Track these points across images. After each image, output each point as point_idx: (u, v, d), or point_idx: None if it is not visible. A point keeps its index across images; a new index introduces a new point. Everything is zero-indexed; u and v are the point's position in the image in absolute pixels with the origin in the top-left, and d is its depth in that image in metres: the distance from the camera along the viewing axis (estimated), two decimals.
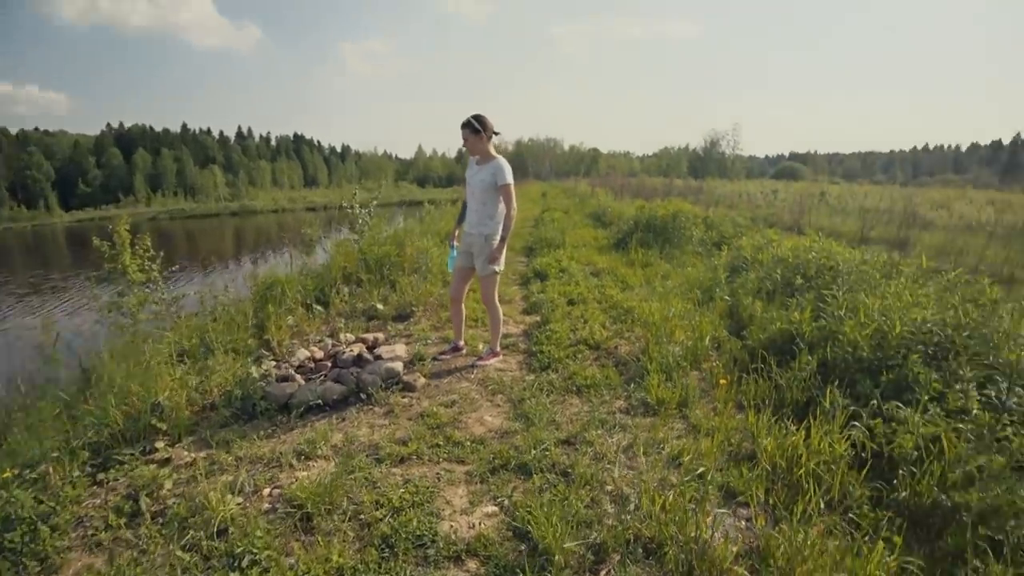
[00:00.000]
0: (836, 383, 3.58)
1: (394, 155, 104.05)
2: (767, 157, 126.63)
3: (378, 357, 4.71)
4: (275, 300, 6.06)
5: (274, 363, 4.58)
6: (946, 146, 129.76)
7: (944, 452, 2.85)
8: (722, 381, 3.86)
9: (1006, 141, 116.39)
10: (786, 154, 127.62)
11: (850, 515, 2.68)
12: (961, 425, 2.99)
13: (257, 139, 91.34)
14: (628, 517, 2.59)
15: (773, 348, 4.31)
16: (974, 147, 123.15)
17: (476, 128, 4.34)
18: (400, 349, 4.94)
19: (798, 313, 4.35)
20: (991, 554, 2.32)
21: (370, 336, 5.30)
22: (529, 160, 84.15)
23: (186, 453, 3.38)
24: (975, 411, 3.16)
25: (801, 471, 2.87)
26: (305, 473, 3.09)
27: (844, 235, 19.72)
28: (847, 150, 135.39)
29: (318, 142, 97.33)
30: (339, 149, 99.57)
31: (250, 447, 3.37)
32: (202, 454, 3.34)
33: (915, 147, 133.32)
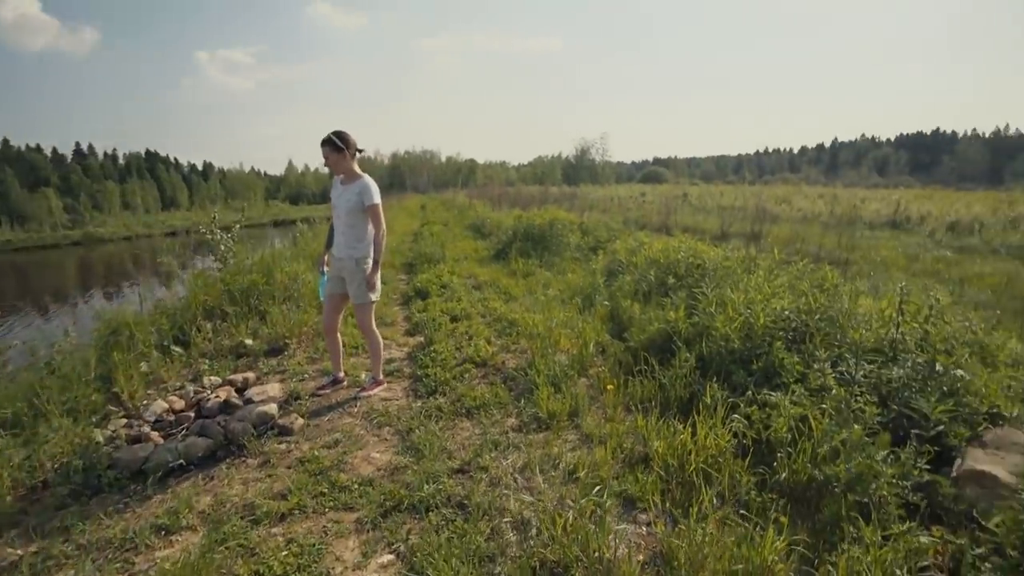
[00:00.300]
0: (714, 377, 3.75)
1: (263, 172, 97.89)
2: (633, 163, 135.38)
3: (249, 401, 4.26)
4: (122, 346, 5.32)
5: (124, 421, 3.98)
6: (783, 149, 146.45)
7: (812, 430, 3.05)
8: (609, 387, 3.90)
9: (827, 144, 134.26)
10: (650, 159, 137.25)
11: (740, 504, 2.77)
12: (824, 405, 3.23)
13: (101, 157, 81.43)
14: (531, 544, 2.48)
15: (654, 348, 4.45)
16: (803, 150, 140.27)
17: (338, 145, 4.06)
18: (274, 388, 4.52)
19: (673, 312, 4.53)
20: (860, 518, 2.49)
21: (239, 377, 4.80)
22: (407, 173, 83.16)
23: (9, 551, 2.78)
24: (833, 388, 3.43)
25: (692, 468, 2.94)
26: (167, 552, 2.65)
27: (707, 232, 21.36)
28: (703, 154, 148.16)
29: (175, 160, 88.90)
30: (200, 167, 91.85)
31: (96, 530, 2.84)
32: (31, 548, 2.76)
33: (758, 150, 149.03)
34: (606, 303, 5.81)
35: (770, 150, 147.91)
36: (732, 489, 2.86)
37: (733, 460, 3.00)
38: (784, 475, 2.92)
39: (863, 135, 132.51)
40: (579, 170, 77.24)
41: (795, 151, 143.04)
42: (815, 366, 3.65)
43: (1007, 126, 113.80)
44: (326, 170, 4.34)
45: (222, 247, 7.90)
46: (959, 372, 3.47)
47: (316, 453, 3.47)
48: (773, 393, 3.41)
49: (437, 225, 18.02)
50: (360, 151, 4.23)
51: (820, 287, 4.85)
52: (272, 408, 4.06)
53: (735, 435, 3.19)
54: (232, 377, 4.82)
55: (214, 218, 8.03)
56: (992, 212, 23.71)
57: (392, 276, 8.93)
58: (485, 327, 5.70)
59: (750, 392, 3.53)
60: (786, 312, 4.11)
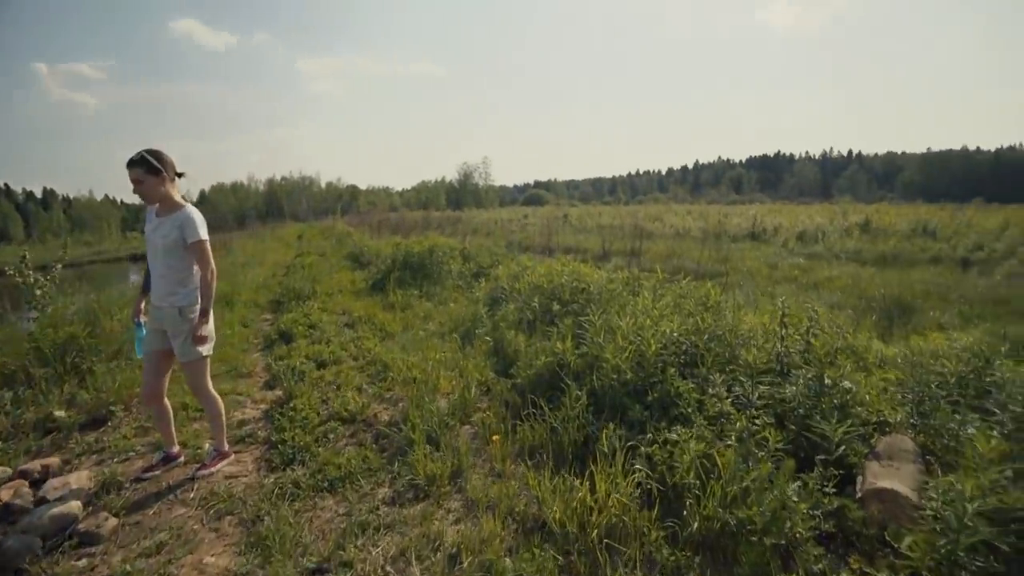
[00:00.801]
0: (608, 414, 3.37)
1: (120, 200, 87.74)
2: (516, 186, 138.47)
3: (42, 500, 3.27)
4: None
5: None
6: (652, 171, 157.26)
7: (719, 467, 2.74)
8: (495, 438, 3.39)
9: (691, 166, 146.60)
10: (531, 182, 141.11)
11: (652, 567, 2.36)
12: (727, 439, 2.94)
13: None
14: None
15: (542, 384, 4.02)
16: (671, 171, 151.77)
17: (153, 166, 3.22)
18: (80, 478, 3.51)
19: (560, 343, 4.14)
20: (781, 563, 2.20)
21: (37, 464, 3.73)
22: (284, 200, 78.97)
23: None
24: (732, 414, 3.18)
25: (595, 532, 2.49)
26: None
27: (589, 251, 21.90)
28: (580, 177, 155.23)
29: (6, 186, 77.32)
30: (39, 195, 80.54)
31: None
32: None
33: (631, 172, 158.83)
34: (488, 337, 5.32)
35: (641, 172, 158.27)
36: (641, 548, 2.45)
37: (639, 514, 2.59)
38: (695, 525, 2.56)
39: (719, 157, 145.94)
40: (463, 194, 77.54)
41: (663, 172, 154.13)
42: (711, 391, 3.39)
43: (831, 149, 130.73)
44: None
45: (38, 292, 6.52)
46: (846, 384, 3.36)
47: (129, 568, 2.62)
48: (674, 428, 3.08)
49: (312, 256, 16.77)
50: (180, 174, 3.42)
51: (704, 305, 4.72)
52: (74, 507, 3.12)
53: (638, 484, 2.79)
54: (27, 466, 3.74)
55: (23, 257, 6.62)
56: (830, 222, 26.57)
57: (256, 317, 7.88)
58: (356, 372, 4.99)
59: (649, 430, 3.18)
60: (675, 335, 3.85)
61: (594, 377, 3.64)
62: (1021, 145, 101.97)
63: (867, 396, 3.28)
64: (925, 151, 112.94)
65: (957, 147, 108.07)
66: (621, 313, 4.38)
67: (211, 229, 3.69)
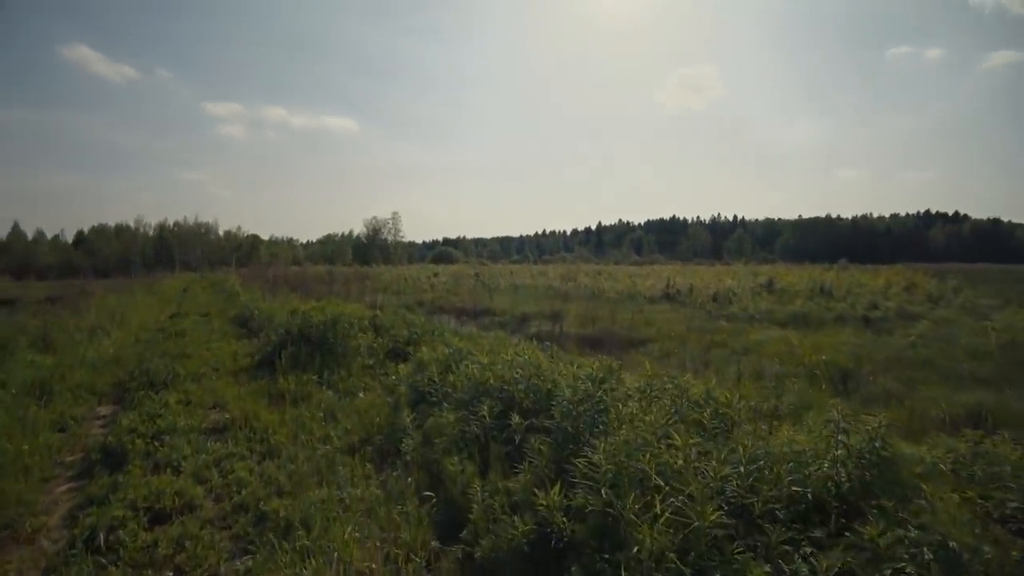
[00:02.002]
0: None
1: None
2: (424, 242, 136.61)
3: None
4: None
5: None
6: (558, 231, 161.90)
7: None
8: None
9: (594, 227, 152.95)
10: (440, 239, 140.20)
11: None
12: None
13: None
14: None
15: (519, 564, 2.51)
16: (575, 231, 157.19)
17: None
18: None
19: (542, 492, 2.67)
20: None
21: None
22: (176, 247, 72.55)
23: None
24: None
25: None
26: None
27: (507, 312, 20.77)
28: (488, 235, 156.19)
29: None
30: None
31: None
32: None
33: (537, 232, 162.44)
34: (422, 468, 3.73)
35: (547, 232, 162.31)
36: None
37: None
38: None
39: (620, 220, 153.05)
40: (371, 249, 74.84)
41: (568, 233, 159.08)
42: None
43: (719, 214, 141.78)
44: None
45: None
46: None
47: None
48: None
49: (192, 317, 14.23)
50: None
51: (720, 415, 3.49)
52: None
53: None
54: None
55: None
56: (737, 283, 27.34)
57: (84, 413, 5.71)
58: (215, 533, 3.21)
59: None
60: (722, 479, 2.51)
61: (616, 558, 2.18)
62: (871, 215, 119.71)
63: None
64: (797, 218, 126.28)
65: (822, 215, 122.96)
66: (614, 427, 3.02)
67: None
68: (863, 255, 69.69)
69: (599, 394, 3.62)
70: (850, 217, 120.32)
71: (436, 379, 4.82)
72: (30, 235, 75.77)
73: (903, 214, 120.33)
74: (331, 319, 7.38)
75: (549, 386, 3.97)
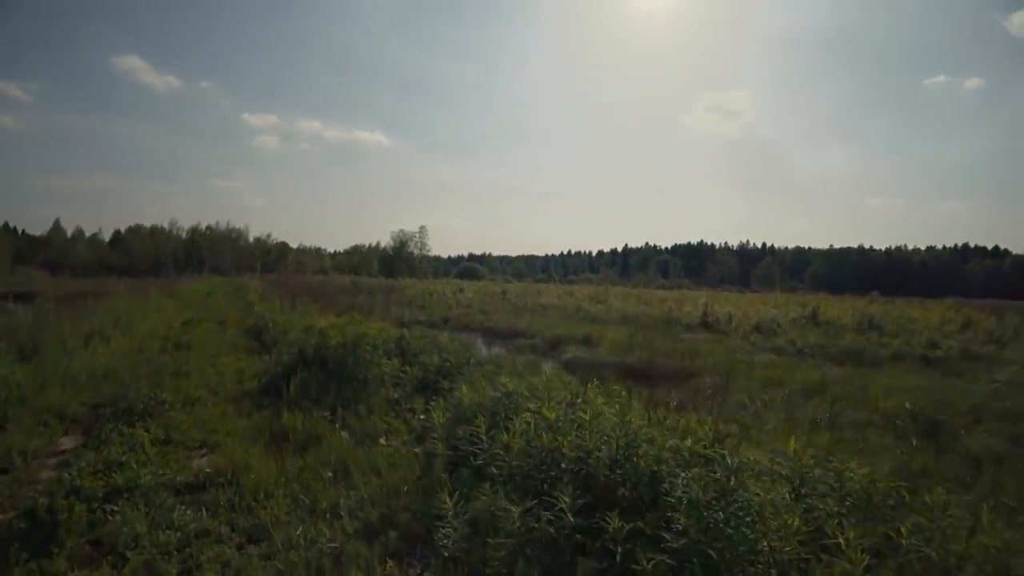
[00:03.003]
0: None
1: (21, 230, 78.63)
2: (449, 257, 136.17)
3: None
4: None
5: None
6: (583, 251, 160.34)
7: None
8: None
9: (620, 249, 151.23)
10: (466, 255, 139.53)
11: None
12: None
13: None
14: None
15: None
16: (600, 253, 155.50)
17: None
18: None
19: None
20: None
21: None
22: (206, 251, 73.20)
23: None
24: None
25: None
26: None
27: (538, 334, 19.58)
28: (513, 253, 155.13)
29: None
30: None
31: None
32: None
33: (563, 252, 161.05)
34: None
35: (572, 252, 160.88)
36: None
37: None
38: None
39: (647, 243, 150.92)
40: (397, 261, 74.37)
41: (593, 254, 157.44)
42: None
43: (748, 241, 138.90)
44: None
45: None
46: None
47: None
48: None
49: (206, 325, 13.33)
50: None
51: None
52: None
53: None
54: None
55: None
56: (782, 313, 25.66)
57: (44, 446, 4.63)
58: None
59: None
60: None
61: None
62: (905, 247, 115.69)
63: None
64: (828, 247, 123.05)
65: (855, 245, 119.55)
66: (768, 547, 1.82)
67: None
68: (896, 288, 66.51)
69: (731, 483, 2.41)
70: (883, 248, 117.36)
71: (483, 435, 3.64)
72: (69, 233, 77.52)
73: (940, 247, 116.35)
74: (351, 341, 6.27)
75: (652, 466, 2.76)
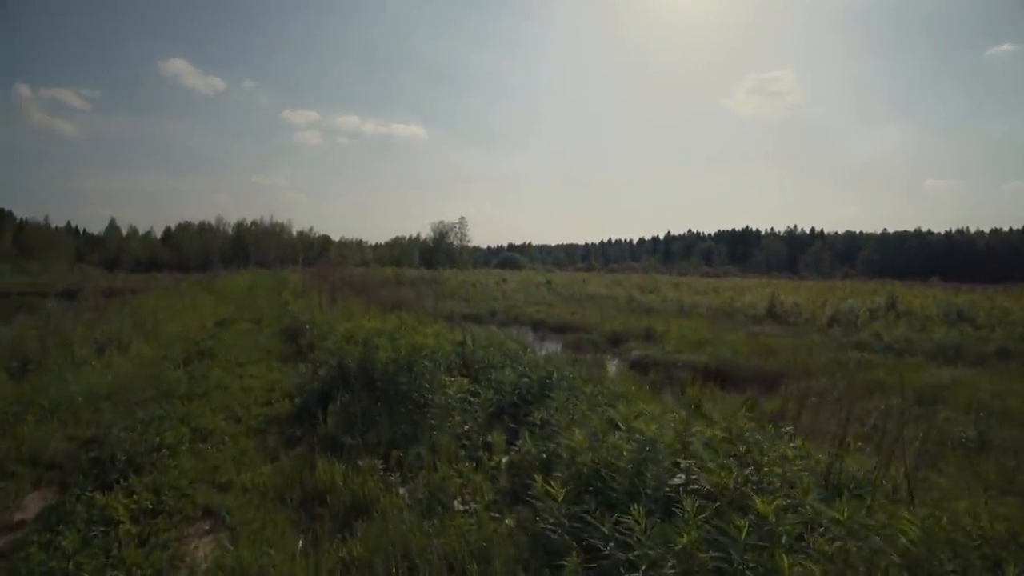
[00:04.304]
0: None
1: (82, 230, 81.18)
2: (489, 248, 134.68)
3: None
4: None
5: None
6: (624, 239, 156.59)
7: None
8: None
9: (661, 236, 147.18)
10: (505, 245, 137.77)
11: None
12: None
13: None
14: None
15: None
16: (642, 241, 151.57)
17: None
18: None
19: None
20: None
21: None
22: (252, 246, 74.28)
23: None
24: None
25: None
26: None
27: (594, 329, 18.07)
28: (553, 242, 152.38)
29: None
30: None
31: None
32: None
33: (603, 240, 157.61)
34: None
35: (613, 240, 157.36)
36: None
37: None
38: None
39: (689, 230, 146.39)
40: (437, 253, 73.55)
41: (634, 242, 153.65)
42: None
43: (795, 226, 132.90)
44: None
45: None
46: None
47: None
48: None
49: (241, 325, 12.27)
50: None
51: None
52: None
53: None
54: None
55: None
56: (860, 302, 23.31)
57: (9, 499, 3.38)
58: None
59: None
60: None
61: None
62: (967, 229, 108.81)
63: None
64: (881, 232, 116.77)
65: (911, 228, 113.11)
66: None
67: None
68: (958, 273, 63.16)
69: None
70: (943, 232, 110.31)
71: (637, 531, 2.18)
72: (124, 231, 79.82)
73: (1006, 229, 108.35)
74: (405, 355, 4.87)
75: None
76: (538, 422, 3.96)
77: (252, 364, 7.50)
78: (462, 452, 4.09)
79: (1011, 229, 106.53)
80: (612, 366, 12.24)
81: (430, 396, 4.53)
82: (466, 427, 4.35)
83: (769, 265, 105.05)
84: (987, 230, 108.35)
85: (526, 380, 5.03)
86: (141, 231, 79.97)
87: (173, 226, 79.28)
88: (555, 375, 5.08)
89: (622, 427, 3.31)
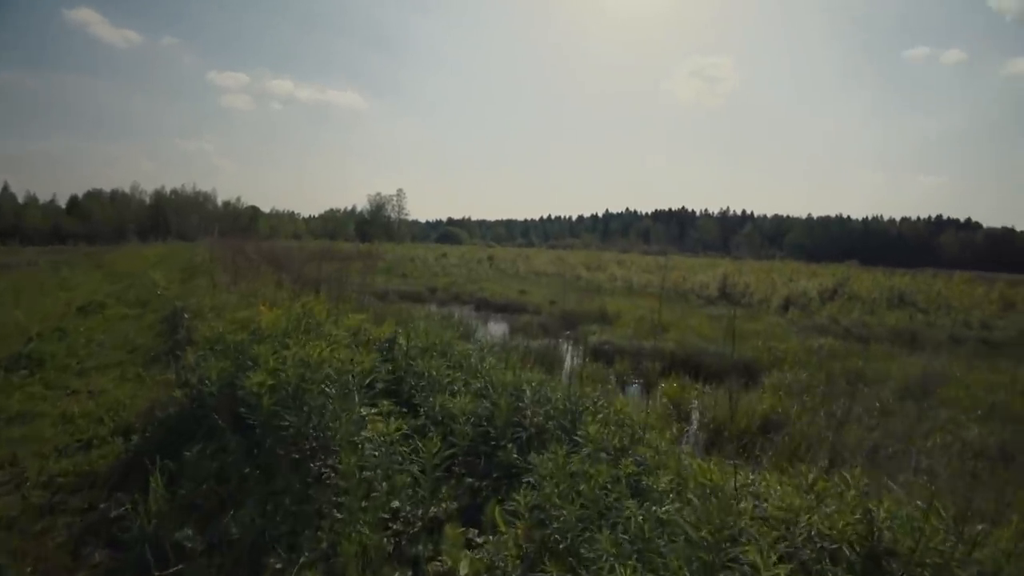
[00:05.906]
0: None
1: None
2: (428, 222, 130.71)
3: None
4: None
5: None
6: (564, 216, 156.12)
7: None
8: None
9: (600, 214, 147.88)
10: (445, 219, 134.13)
11: None
12: None
13: None
14: None
15: None
16: (580, 218, 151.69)
17: None
18: None
19: None
20: None
21: None
22: (172, 216, 68.52)
23: None
24: None
25: None
26: None
27: (541, 309, 16.65)
28: (492, 218, 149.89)
29: None
30: None
31: None
32: None
33: (542, 217, 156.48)
34: None
35: (553, 217, 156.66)
36: None
37: None
38: None
39: (627, 208, 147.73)
40: (374, 226, 70.27)
41: (574, 219, 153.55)
42: None
43: (728, 208, 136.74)
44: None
45: None
46: None
47: None
48: None
49: (118, 309, 9.87)
50: None
51: None
52: None
53: None
54: None
55: None
56: (806, 285, 22.96)
57: None
58: None
59: None
60: None
61: None
62: (882, 217, 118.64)
63: None
64: (807, 216, 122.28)
65: (832, 214, 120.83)
66: None
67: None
68: (873, 258, 67.44)
69: None
70: (861, 218, 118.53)
71: None
72: (20, 198, 71.15)
73: (914, 218, 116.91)
74: (293, 377, 2.99)
75: None
76: (523, 506, 2.25)
77: (100, 371, 5.39)
78: (390, 551, 2.35)
79: (918, 218, 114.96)
80: (569, 354, 10.80)
81: (334, 449, 2.71)
82: (394, 503, 2.57)
83: (704, 245, 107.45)
84: (898, 219, 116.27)
85: (489, 407, 3.31)
86: (44, 199, 71.68)
87: (81, 194, 71.91)
88: (534, 397, 3.37)
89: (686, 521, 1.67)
